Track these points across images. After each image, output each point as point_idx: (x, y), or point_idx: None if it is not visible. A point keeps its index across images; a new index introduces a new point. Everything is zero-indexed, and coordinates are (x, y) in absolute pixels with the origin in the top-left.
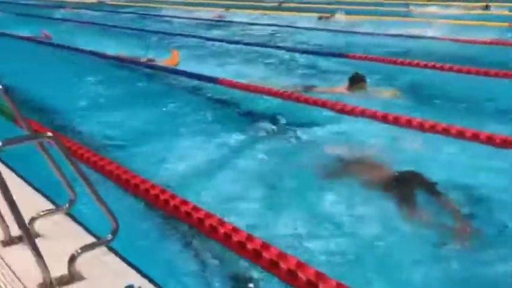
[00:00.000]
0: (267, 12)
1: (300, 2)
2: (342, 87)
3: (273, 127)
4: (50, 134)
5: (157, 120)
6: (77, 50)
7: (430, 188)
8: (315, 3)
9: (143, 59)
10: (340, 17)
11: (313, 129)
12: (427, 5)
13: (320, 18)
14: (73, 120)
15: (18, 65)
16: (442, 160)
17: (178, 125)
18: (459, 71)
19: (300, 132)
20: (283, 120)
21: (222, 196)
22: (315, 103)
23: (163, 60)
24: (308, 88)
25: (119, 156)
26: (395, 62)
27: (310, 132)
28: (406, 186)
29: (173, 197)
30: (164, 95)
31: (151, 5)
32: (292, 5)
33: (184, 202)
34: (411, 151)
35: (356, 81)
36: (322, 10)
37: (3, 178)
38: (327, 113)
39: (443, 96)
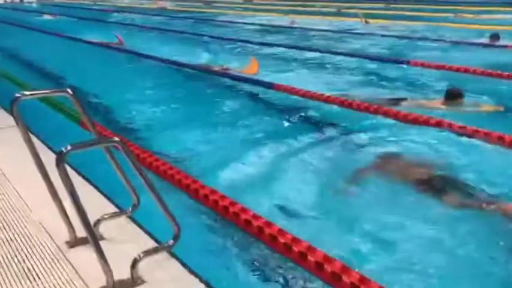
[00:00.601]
0: (326, 17)
1: (360, 8)
2: (437, 100)
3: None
4: (116, 139)
5: (220, 127)
6: (141, 55)
7: None
8: (376, 8)
9: (217, 67)
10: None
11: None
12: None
13: (366, 22)
14: (139, 126)
15: (85, 69)
16: None
17: (244, 134)
18: None
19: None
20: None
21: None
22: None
23: (241, 69)
24: (399, 101)
25: (181, 162)
26: (482, 73)
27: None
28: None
29: (233, 203)
30: (241, 107)
31: (211, 10)
32: (352, 10)
33: (243, 209)
34: None
35: (453, 96)
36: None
37: (71, 181)
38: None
39: None
